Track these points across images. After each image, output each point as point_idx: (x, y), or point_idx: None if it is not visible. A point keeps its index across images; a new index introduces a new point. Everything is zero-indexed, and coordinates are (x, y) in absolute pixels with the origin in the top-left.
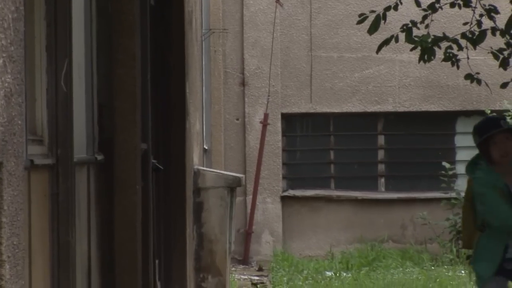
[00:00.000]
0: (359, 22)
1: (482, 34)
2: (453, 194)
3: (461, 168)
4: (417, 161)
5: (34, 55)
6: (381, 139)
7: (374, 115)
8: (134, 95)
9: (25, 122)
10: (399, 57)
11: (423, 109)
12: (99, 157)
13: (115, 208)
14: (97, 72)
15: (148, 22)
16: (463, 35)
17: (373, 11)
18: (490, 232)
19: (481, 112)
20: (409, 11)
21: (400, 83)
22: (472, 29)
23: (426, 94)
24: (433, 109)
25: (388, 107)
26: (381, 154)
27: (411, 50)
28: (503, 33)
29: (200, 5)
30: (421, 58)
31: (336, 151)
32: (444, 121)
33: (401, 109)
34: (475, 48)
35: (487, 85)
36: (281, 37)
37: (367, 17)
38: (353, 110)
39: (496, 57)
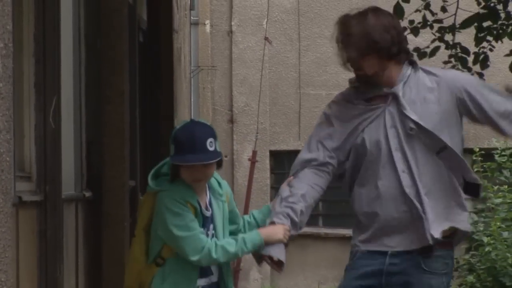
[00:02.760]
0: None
1: (434, 50)
2: None
3: None
4: None
5: (23, 92)
6: None
7: None
8: (122, 131)
9: (13, 158)
10: None
11: None
12: (87, 194)
13: (103, 245)
14: (85, 109)
15: (137, 59)
16: (415, 50)
17: None
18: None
19: (469, 150)
20: None
21: None
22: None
23: None
24: None
25: None
26: None
27: None
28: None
29: (189, 42)
30: None
31: None
32: None
33: None
34: (420, 59)
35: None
36: (269, 74)
37: None
38: None
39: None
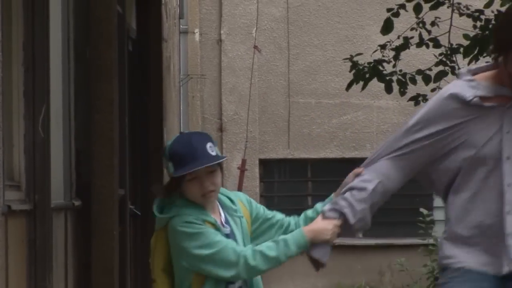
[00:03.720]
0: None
1: (440, 75)
2: (431, 241)
3: (438, 214)
4: (394, 207)
5: (12, 101)
6: None
7: (352, 161)
8: (111, 140)
9: (2, 168)
10: (376, 103)
11: None
12: (77, 203)
13: (92, 254)
14: (74, 118)
15: (126, 68)
16: (418, 72)
17: (359, 54)
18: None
19: None
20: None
21: (378, 129)
22: (431, 67)
23: None
24: None
25: (366, 153)
26: None
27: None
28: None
29: (178, 51)
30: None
31: (314, 197)
32: None
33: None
34: (426, 85)
35: None
36: (259, 83)
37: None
38: (331, 156)
39: None
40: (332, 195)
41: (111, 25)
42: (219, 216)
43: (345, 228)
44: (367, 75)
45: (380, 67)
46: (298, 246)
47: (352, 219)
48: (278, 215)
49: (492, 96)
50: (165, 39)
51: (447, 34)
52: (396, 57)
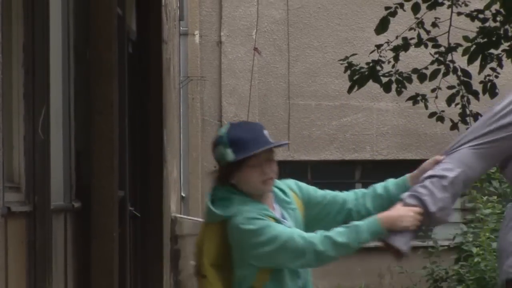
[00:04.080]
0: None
1: (435, 73)
2: (430, 243)
3: None
4: None
5: (12, 102)
6: (359, 187)
7: (352, 163)
8: (111, 142)
9: (2, 169)
10: (376, 105)
11: (400, 158)
12: (76, 204)
13: (92, 255)
14: (74, 119)
15: (126, 69)
16: (414, 71)
17: (354, 55)
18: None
19: None
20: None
21: (378, 132)
22: (427, 66)
23: (404, 143)
24: (410, 158)
25: (366, 155)
26: None
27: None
28: (454, 71)
29: (178, 53)
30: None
31: None
32: None
33: (379, 158)
34: (421, 83)
35: (452, 122)
36: (259, 85)
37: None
38: (331, 158)
39: (449, 101)
40: (407, 176)
41: (111, 27)
42: (275, 210)
43: (425, 216)
44: (366, 73)
45: (378, 68)
46: (371, 232)
47: (432, 207)
48: (332, 193)
49: None
50: (165, 41)
51: (446, 35)
52: (396, 58)
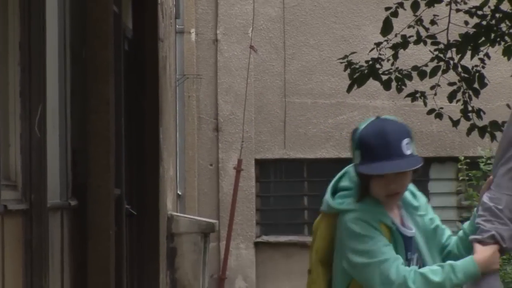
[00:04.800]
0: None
1: (435, 70)
2: None
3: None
4: None
5: (8, 101)
6: None
7: (348, 161)
8: (107, 140)
9: None
10: (373, 103)
11: None
12: (73, 203)
13: (89, 253)
14: (71, 118)
15: (122, 67)
16: (414, 68)
17: (353, 53)
18: None
19: (455, 159)
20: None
21: None
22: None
23: None
24: None
25: None
26: None
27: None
28: (454, 67)
29: (174, 51)
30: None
31: (310, 197)
32: None
33: None
34: (421, 80)
35: (451, 120)
36: (255, 83)
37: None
38: (327, 156)
39: (450, 97)
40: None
41: (108, 25)
42: (398, 214)
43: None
44: (365, 72)
45: (378, 66)
46: (466, 275)
47: (504, 243)
48: (451, 242)
49: None
50: (161, 39)
51: (445, 32)
52: (395, 56)
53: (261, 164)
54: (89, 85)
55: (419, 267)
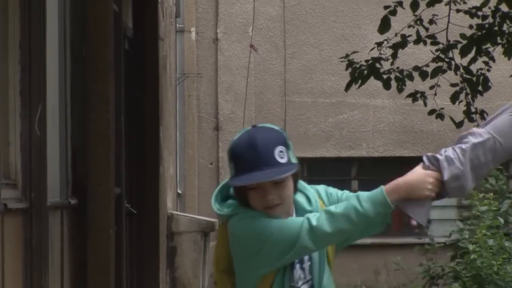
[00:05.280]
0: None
1: (436, 70)
2: (427, 240)
3: (434, 213)
4: None
5: (8, 99)
6: (355, 184)
7: (348, 160)
8: (107, 139)
9: None
10: (373, 102)
11: (397, 155)
12: (73, 201)
13: (88, 252)
14: (71, 116)
15: (122, 66)
16: (416, 68)
17: (354, 52)
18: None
19: None
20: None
21: (374, 129)
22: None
23: (400, 140)
24: (407, 155)
25: (362, 152)
26: None
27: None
28: (456, 69)
29: (174, 50)
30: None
31: None
32: None
33: (375, 155)
34: (423, 80)
35: (452, 120)
36: (255, 82)
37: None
38: (327, 155)
39: (453, 98)
40: None
41: (108, 24)
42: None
43: (450, 177)
44: (365, 73)
45: (378, 65)
46: (374, 203)
47: (445, 175)
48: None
49: None
50: (162, 38)
51: (445, 32)
52: (394, 55)
53: None
54: (89, 84)
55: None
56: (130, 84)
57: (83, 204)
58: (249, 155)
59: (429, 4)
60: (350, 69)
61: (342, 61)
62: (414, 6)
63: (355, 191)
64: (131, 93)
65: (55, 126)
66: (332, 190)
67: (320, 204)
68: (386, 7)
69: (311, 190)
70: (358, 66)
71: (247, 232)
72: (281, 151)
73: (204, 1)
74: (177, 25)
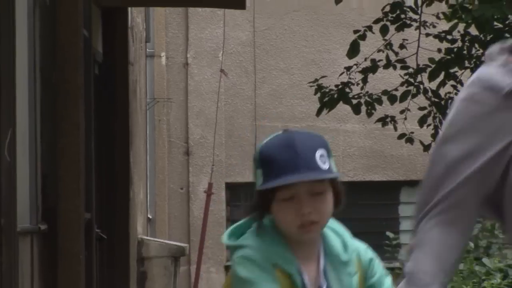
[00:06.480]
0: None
1: (405, 94)
2: (397, 264)
3: (405, 238)
4: (361, 230)
5: None
6: None
7: None
8: (77, 164)
9: None
10: (343, 127)
11: (367, 179)
12: (43, 227)
13: (59, 278)
14: (41, 142)
15: (92, 91)
16: (384, 92)
17: (323, 77)
18: None
19: None
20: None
21: (344, 153)
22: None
23: (370, 164)
24: (377, 179)
25: None
26: None
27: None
28: (424, 92)
29: (144, 74)
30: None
31: None
32: (388, 191)
33: (346, 179)
34: (392, 104)
35: (422, 144)
36: (225, 106)
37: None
38: None
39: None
40: None
41: (78, 49)
42: (315, 264)
43: None
44: (335, 96)
45: (347, 90)
46: None
47: None
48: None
49: None
50: (132, 63)
51: (415, 56)
52: (364, 80)
53: (231, 188)
54: (59, 109)
55: None
56: (100, 109)
57: (53, 229)
58: (286, 156)
59: (399, 29)
60: (319, 94)
61: (311, 86)
62: (384, 30)
63: None
64: (101, 118)
65: (25, 151)
66: (376, 261)
67: (356, 261)
68: (355, 32)
69: (353, 241)
70: (327, 90)
71: (241, 281)
72: (322, 155)
73: (174, 26)
74: (147, 50)
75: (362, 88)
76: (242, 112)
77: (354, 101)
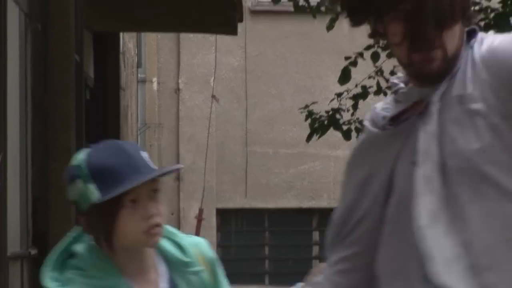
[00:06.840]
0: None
1: None
2: None
3: None
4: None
5: None
6: (315, 235)
7: (309, 211)
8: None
9: None
10: (334, 153)
11: None
12: (33, 252)
13: None
14: (31, 166)
15: (84, 116)
16: None
17: (314, 103)
18: None
19: None
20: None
21: (335, 179)
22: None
23: None
24: None
25: (323, 203)
26: (315, 250)
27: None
28: None
29: (136, 100)
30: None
31: (271, 246)
32: None
33: (336, 205)
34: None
35: None
36: (216, 132)
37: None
38: (288, 205)
39: None
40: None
41: (69, 74)
42: (154, 275)
43: None
44: (325, 123)
45: (338, 116)
46: None
47: None
48: None
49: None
50: (123, 88)
51: None
52: (355, 106)
53: (222, 214)
54: (50, 134)
55: None
56: (92, 134)
57: (43, 254)
58: (122, 161)
59: (390, 55)
60: (309, 120)
61: (301, 112)
62: (375, 57)
63: (316, 242)
64: (92, 143)
65: (16, 175)
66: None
67: (199, 257)
68: (346, 58)
69: (188, 240)
70: (318, 117)
71: None
72: (146, 156)
73: (165, 52)
74: (139, 75)
75: (352, 115)
76: (233, 137)
77: (345, 127)
